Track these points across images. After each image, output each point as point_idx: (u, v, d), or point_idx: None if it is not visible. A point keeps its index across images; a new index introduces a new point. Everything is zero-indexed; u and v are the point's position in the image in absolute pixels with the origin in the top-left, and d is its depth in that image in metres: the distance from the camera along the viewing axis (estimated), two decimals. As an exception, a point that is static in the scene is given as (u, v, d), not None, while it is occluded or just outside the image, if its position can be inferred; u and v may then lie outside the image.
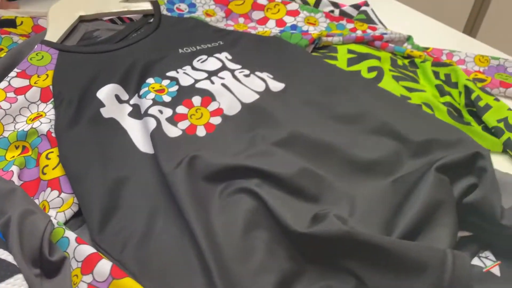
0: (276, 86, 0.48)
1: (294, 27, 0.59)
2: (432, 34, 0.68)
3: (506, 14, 1.61)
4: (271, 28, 0.59)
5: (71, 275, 0.32)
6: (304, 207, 0.36)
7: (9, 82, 0.46)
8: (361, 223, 0.34)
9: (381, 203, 0.36)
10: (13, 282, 0.29)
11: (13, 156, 0.42)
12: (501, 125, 0.45)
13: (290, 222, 0.33)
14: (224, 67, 0.50)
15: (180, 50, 0.53)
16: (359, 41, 0.56)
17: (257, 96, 0.46)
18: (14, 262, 0.30)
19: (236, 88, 0.47)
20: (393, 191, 0.37)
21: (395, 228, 0.34)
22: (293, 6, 0.61)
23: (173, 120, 0.43)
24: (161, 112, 0.44)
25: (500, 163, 0.45)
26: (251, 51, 0.53)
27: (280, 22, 0.60)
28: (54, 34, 0.53)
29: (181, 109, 0.44)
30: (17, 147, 0.42)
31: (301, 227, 0.33)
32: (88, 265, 0.32)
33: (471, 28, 1.73)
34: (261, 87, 0.47)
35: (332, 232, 0.32)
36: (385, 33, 0.58)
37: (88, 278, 0.31)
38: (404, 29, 0.62)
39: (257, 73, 0.49)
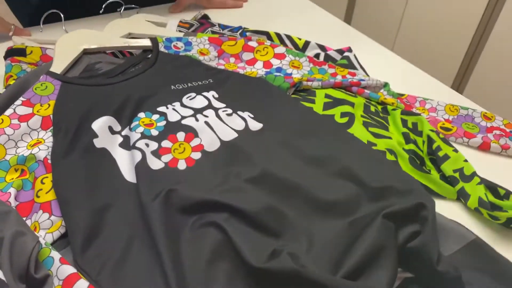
0: (255, 126, 0.53)
1: (279, 69, 0.64)
2: (418, 85, 0.72)
3: (492, 71, 1.69)
4: (258, 69, 0.64)
5: (52, 292, 0.36)
6: (266, 242, 0.40)
7: (14, 109, 0.51)
8: (314, 260, 0.38)
9: (335, 242, 0.40)
10: (1, 295, 0.34)
11: (12, 178, 0.46)
12: (457, 175, 0.50)
13: (249, 256, 0.37)
14: (209, 106, 0.55)
15: (173, 87, 0.58)
16: (337, 86, 0.61)
17: (236, 135, 0.51)
18: (3, 278, 0.35)
19: (218, 126, 0.51)
20: (347, 232, 0.41)
21: (342, 266, 0.38)
22: (280, 49, 0.66)
23: (158, 153, 0.48)
24: (147, 145, 0.48)
25: (452, 210, 0.49)
26: (237, 91, 0.58)
27: (267, 64, 0.65)
28: (59, 65, 0.58)
29: (166, 143, 0.49)
30: (16, 170, 0.47)
31: (258, 262, 0.37)
32: (67, 283, 0.36)
33: (459, 83, 1.81)
34: (241, 126, 0.52)
35: (283, 269, 0.36)
36: (363, 80, 0.63)
37: (66, 296, 0.35)
38: (389, 76, 0.67)
39: (239, 112, 0.54)
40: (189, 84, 0.59)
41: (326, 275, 0.35)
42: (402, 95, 0.65)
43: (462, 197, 0.49)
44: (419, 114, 0.57)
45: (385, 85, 0.65)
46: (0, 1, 0.78)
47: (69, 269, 0.37)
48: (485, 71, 1.77)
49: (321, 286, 0.35)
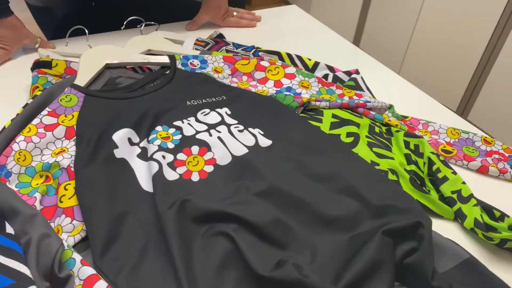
0: (265, 142, 0.56)
1: (289, 89, 0.68)
2: (422, 108, 0.75)
3: (497, 96, 1.72)
4: (269, 88, 0.68)
5: (73, 291, 0.39)
6: (272, 252, 0.43)
7: (40, 119, 0.55)
8: (316, 272, 0.41)
9: (336, 256, 0.43)
10: (28, 292, 0.37)
11: (37, 184, 0.50)
12: (455, 196, 0.52)
13: (255, 265, 0.40)
14: (222, 122, 0.58)
15: (188, 102, 0.62)
16: (344, 107, 0.64)
17: (246, 151, 0.54)
18: (31, 276, 0.38)
19: (230, 141, 0.55)
20: (348, 247, 0.44)
21: (342, 278, 0.40)
22: (290, 70, 0.70)
23: (173, 165, 0.51)
24: (164, 157, 0.52)
25: (449, 229, 0.51)
26: (248, 108, 0.61)
27: (277, 83, 0.69)
28: (82, 79, 0.62)
29: (181, 156, 0.52)
30: (41, 176, 0.51)
31: (264, 270, 0.40)
32: (88, 283, 0.39)
33: (464, 106, 1.85)
34: (251, 142, 0.55)
35: (287, 278, 0.39)
36: (369, 101, 0.66)
37: (87, 295, 0.38)
38: (394, 98, 0.70)
39: (250, 129, 0.57)
40: (203, 100, 0.63)
41: (328, 285, 0.38)
42: (406, 117, 0.68)
43: (459, 217, 0.51)
44: (421, 137, 0.60)
45: (390, 107, 0.68)
46: (25, 13, 0.82)
47: (90, 270, 0.40)
48: (490, 96, 1.79)
49: (322, 296, 0.37)
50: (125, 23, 0.83)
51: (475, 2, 1.74)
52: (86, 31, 0.79)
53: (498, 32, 1.70)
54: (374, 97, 0.71)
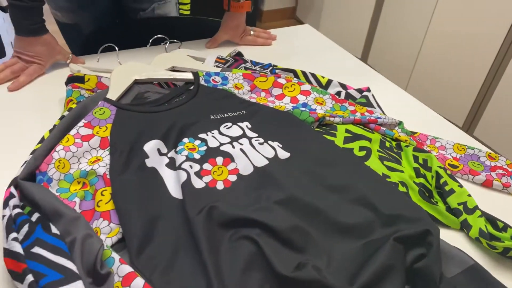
0: (283, 154, 0.60)
1: (304, 105, 0.72)
2: (430, 124, 0.80)
3: (503, 113, 1.76)
4: (286, 104, 0.72)
5: (113, 286, 0.44)
6: (292, 256, 0.47)
7: (77, 130, 0.60)
8: (333, 274, 0.45)
9: (351, 260, 0.47)
10: (75, 285, 0.41)
11: (75, 189, 0.54)
12: (461, 207, 0.56)
13: (278, 266, 0.44)
14: (244, 135, 0.62)
15: (211, 116, 0.66)
16: (356, 122, 0.68)
17: (266, 162, 0.58)
18: (77, 271, 0.42)
19: (251, 153, 0.59)
20: (361, 252, 0.48)
21: (357, 281, 0.44)
22: (306, 87, 0.74)
23: (200, 174, 0.55)
24: (191, 167, 0.56)
25: (456, 239, 0.55)
26: (267, 123, 0.66)
27: (294, 99, 0.73)
28: (114, 93, 0.67)
29: (207, 166, 0.57)
30: (78, 183, 0.55)
31: (286, 271, 0.44)
32: (127, 280, 0.43)
33: (470, 122, 1.89)
34: (271, 154, 0.60)
35: (308, 277, 0.42)
36: (380, 117, 0.70)
37: (126, 290, 0.43)
38: (404, 115, 0.74)
39: (269, 142, 0.62)
40: (225, 114, 0.67)
41: (345, 286, 0.42)
42: (415, 133, 0.73)
43: (464, 227, 0.55)
44: (429, 152, 0.64)
45: (400, 123, 0.72)
46: (52, 26, 0.88)
47: (128, 268, 0.44)
48: (496, 112, 1.83)
49: (340, 295, 0.41)
50: (150, 41, 0.88)
51: (482, 20, 1.79)
52: (116, 48, 0.84)
53: (504, 50, 1.74)
54: (384, 113, 0.76)
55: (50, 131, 0.60)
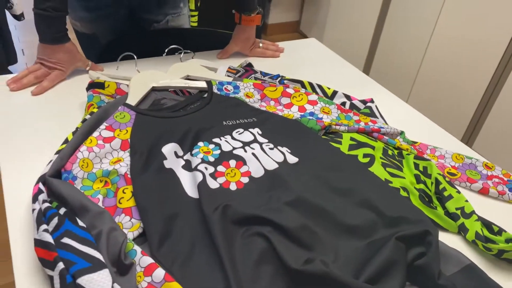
0: (292, 159, 0.64)
1: (312, 114, 0.76)
2: (430, 135, 0.84)
3: (501, 125, 1.80)
4: (294, 112, 0.76)
5: (136, 275, 0.47)
6: (301, 252, 0.51)
7: (100, 132, 0.64)
8: (339, 269, 0.48)
9: (356, 257, 0.51)
10: (102, 273, 0.44)
11: (98, 187, 0.58)
12: (459, 212, 0.60)
13: (289, 260, 0.48)
14: (255, 140, 0.66)
15: (224, 122, 0.70)
16: (360, 131, 0.72)
17: (276, 166, 0.62)
18: (104, 261, 0.46)
19: (262, 157, 0.63)
20: (366, 251, 0.51)
21: (362, 275, 0.48)
22: (313, 97, 0.79)
23: (214, 175, 0.59)
24: (206, 168, 0.60)
25: (453, 241, 0.58)
26: (277, 130, 0.70)
27: (301, 108, 0.77)
28: (133, 99, 0.71)
29: (220, 168, 0.61)
30: (101, 181, 0.59)
31: (296, 265, 0.47)
32: (148, 270, 0.47)
33: (470, 134, 1.93)
34: (280, 158, 0.64)
35: (317, 271, 0.46)
36: (382, 127, 0.74)
37: (148, 279, 0.46)
38: (405, 125, 0.78)
39: (279, 147, 0.66)
40: (237, 121, 0.71)
41: (351, 278, 0.46)
42: (415, 142, 0.77)
43: (462, 230, 0.59)
44: (429, 160, 0.68)
45: (401, 133, 0.76)
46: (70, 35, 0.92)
47: (149, 260, 0.48)
48: (494, 125, 1.87)
49: (346, 287, 0.45)
50: (166, 50, 0.93)
51: (481, 36, 1.84)
52: (135, 57, 0.89)
53: (502, 66, 1.79)
54: (386, 123, 0.80)
55: (73, 133, 0.64)
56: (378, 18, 2.41)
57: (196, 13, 1.99)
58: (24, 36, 2.53)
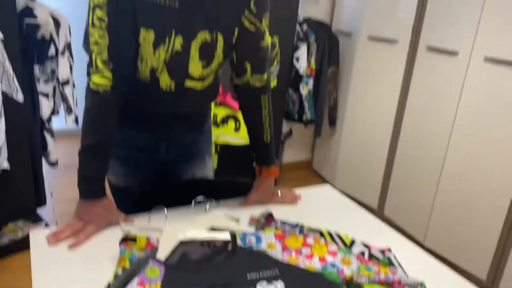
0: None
1: (333, 264, 0.79)
2: (447, 283, 0.84)
3: None
4: (315, 264, 0.79)
5: None
6: None
7: (132, 287, 0.67)
8: None
9: None
10: None
11: None
12: None
13: None
14: (278, 294, 0.68)
15: (248, 275, 0.73)
16: (381, 283, 0.74)
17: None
18: None
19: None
20: None
21: None
22: (333, 248, 0.82)
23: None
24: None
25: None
26: (300, 283, 0.72)
27: (322, 259, 0.80)
28: (162, 253, 0.76)
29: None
30: None
31: None
32: None
33: (494, 275, 1.87)
34: (305, 314, 0.65)
35: None
36: (402, 278, 0.76)
37: None
38: (424, 275, 0.80)
39: (303, 301, 0.67)
40: (260, 274, 0.74)
41: None
42: (438, 293, 0.77)
43: None
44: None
45: (421, 284, 0.77)
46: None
47: None
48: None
49: None
50: (193, 201, 1.01)
51: (496, 169, 1.92)
52: (165, 210, 0.96)
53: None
54: (406, 273, 0.81)
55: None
56: (388, 154, 2.54)
57: (215, 162, 2.19)
58: (54, 178, 2.71)
